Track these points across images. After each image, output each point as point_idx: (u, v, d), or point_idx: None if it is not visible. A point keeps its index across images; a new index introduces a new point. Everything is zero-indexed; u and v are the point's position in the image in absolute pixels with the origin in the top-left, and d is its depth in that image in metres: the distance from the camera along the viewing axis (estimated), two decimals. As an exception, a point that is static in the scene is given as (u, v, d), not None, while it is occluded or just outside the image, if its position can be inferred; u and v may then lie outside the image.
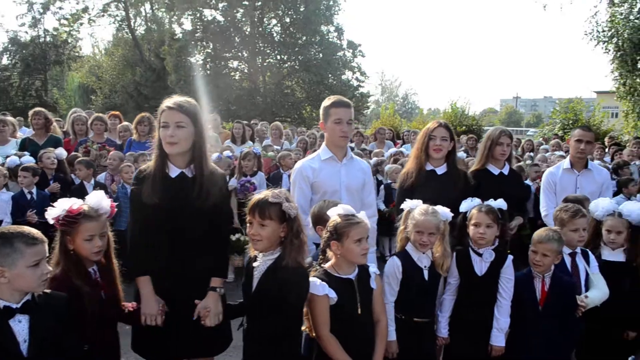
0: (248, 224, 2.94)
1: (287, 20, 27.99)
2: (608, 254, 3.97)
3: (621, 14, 13.21)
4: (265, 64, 28.97)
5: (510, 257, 3.55)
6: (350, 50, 28.80)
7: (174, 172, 3.13)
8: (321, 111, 3.97)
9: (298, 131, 12.78)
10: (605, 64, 13.53)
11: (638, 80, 13.09)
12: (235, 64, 29.63)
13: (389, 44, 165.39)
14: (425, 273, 3.44)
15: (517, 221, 4.72)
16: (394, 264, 3.44)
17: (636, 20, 12.81)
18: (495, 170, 4.78)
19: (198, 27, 27.27)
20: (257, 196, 2.94)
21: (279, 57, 29.14)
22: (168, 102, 3.10)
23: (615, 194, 7.25)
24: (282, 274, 2.83)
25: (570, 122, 18.84)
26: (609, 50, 13.48)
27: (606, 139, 12.77)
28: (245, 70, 29.50)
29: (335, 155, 3.92)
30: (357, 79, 29.48)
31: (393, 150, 9.81)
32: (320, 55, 27.83)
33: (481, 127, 22.65)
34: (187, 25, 27.73)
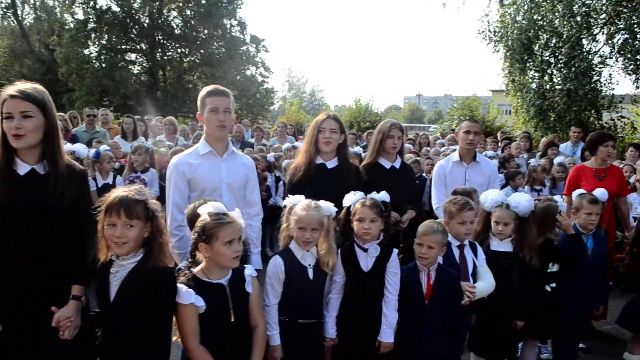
0: (107, 226, 2.60)
1: (188, 12, 27.02)
2: (497, 245, 4.00)
3: (510, 14, 13.86)
4: (165, 57, 27.82)
5: (395, 250, 3.45)
6: (254, 45, 28.33)
7: (22, 169, 2.75)
8: (198, 103, 3.68)
9: (199, 126, 12.23)
10: (498, 63, 14.24)
11: (527, 77, 13.79)
12: (133, 56, 28.22)
13: (296, 40, 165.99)
14: (310, 272, 3.27)
15: (409, 215, 4.67)
16: (276, 264, 3.24)
17: (523, 21, 13.46)
18: (387, 164, 4.72)
19: (91, 16, 25.68)
20: (115, 194, 2.62)
21: (179, 50, 28.09)
22: (10, 89, 2.70)
23: (503, 186, 7.54)
24: (148, 277, 2.57)
25: (467, 118, 19.65)
26: (499, 50, 14.09)
27: (499, 134, 13.37)
28: (144, 64, 28.20)
29: (215, 149, 3.64)
30: (261, 74, 29.10)
31: (287, 145, 9.61)
32: (223, 49, 27.17)
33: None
34: (80, 14, 26.05)
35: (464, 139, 5.07)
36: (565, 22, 12.60)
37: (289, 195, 3.41)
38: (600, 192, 4.88)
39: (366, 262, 3.39)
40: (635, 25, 12.26)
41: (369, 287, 3.39)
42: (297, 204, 3.26)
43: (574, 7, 12.62)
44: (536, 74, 13.61)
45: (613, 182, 5.55)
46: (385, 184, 4.48)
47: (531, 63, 13.59)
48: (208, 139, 3.66)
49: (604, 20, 13.21)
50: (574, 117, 12.90)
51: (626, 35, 12.57)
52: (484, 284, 3.69)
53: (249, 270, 2.92)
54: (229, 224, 2.73)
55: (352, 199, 3.48)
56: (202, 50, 27.24)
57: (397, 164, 4.74)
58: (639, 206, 7.15)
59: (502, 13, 14.14)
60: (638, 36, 12.34)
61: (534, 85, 13.55)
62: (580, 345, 5.27)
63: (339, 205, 3.45)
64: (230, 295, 2.78)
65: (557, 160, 8.15)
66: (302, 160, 4.20)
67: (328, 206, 3.30)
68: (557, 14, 12.74)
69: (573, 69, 12.60)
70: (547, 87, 13.64)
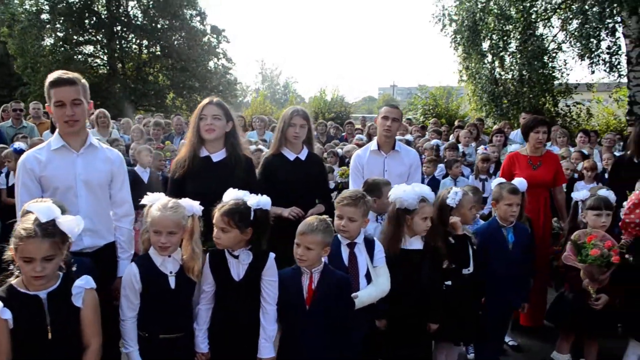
0: None
1: (145, 1, 26.09)
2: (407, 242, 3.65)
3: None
4: (124, 49, 26.87)
5: (272, 255, 3.04)
6: (214, 36, 27.58)
7: None
8: (45, 93, 3.23)
9: (137, 119, 11.70)
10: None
11: (479, 63, 13.43)
12: (90, 49, 27.25)
13: (270, 32, 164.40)
14: (172, 280, 2.88)
15: (316, 209, 4.28)
16: (130, 272, 2.87)
17: (469, 3, 13.06)
18: (291, 155, 4.31)
19: (43, 7, 24.66)
20: None
21: (138, 42, 27.18)
22: None
23: (445, 176, 7.26)
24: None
25: (430, 107, 19.52)
26: (447, 33, 13.66)
27: (456, 122, 13.07)
28: (102, 56, 27.25)
29: (69, 143, 3.19)
30: (223, 65, 28.37)
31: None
32: (182, 40, 26.40)
33: (349, 114, 23.08)
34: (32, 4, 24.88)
35: (381, 125, 4.68)
36: (511, 5, 12.25)
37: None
38: (519, 182, 4.61)
39: (237, 269, 3.00)
40: (588, 10, 11.99)
41: (243, 297, 2.99)
42: (154, 204, 2.86)
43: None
44: (487, 59, 13.27)
45: (548, 170, 5.26)
46: (289, 176, 4.16)
47: (481, 47, 13.24)
48: (61, 132, 3.22)
49: (557, 4, 12.96)
50: (528, 103, 12.65)
51: (579, 20, 12.29)
52: (372, 289, 3.35)
53: (81, 282, 2.51)
54: (30, 239, 2.31)
55: (230, 196, 3.07)
56: (161, 42, 26.39)
57: (303, 155, 4.34)
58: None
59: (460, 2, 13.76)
60: (589, 20, 12.09)
61: (485, 71, 13.21)
62: (511, 342, 5.06)
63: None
64: (49, 310, 2.40)
65: (510, 148, 7.83)
66: (184, 153, 3.78)
67: (191, 205, 2.92)
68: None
69: (525, 54, 12.31)
70: (500, 72, 13.36)
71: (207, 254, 3.01)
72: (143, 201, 2.96)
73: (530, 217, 4.97)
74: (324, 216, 3.13)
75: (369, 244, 3.46)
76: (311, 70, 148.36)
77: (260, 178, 4.11)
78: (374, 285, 3.36)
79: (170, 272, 2.88)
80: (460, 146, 8.77)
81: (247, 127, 11.77)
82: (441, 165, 7.64)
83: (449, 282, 3.77)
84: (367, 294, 3.31)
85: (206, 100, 3.82)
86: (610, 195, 4.45)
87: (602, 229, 4.19)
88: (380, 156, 4.72)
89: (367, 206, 3.39)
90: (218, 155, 3.77)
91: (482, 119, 11.33)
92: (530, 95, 12.62)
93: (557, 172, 5.31)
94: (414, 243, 3.65)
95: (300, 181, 4.18)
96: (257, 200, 3.01)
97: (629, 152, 5.76)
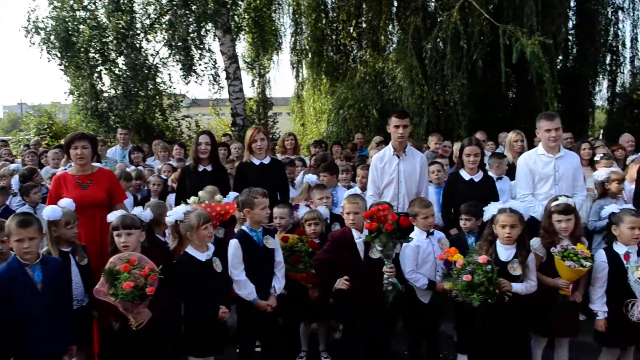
0: None
1: None
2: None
3: (57, 7, 12.17)
4: None
5: None
6: None
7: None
8: None
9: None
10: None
11: (79, 78, 12.39)
12: None
13: None
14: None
15: None
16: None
17: (63, 12, 11.98)
18: None
19: None
20: None
21: None
22: None
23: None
24: None
25: (46, 126, 17.59)
26: (35, 43, 12.18)
27: (63, 141, 11.78)
28: None
29: None
30: None
31: None
32: None
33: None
34: None
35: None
36: (109, 16, 11.69)
37: None
38: (67, 202, 4.26)
39: None
40: (185, 26, 12.21)
41: None
42: None
43: (120, 3, 11.81)
44: (87, 73, 12.35)
45: (100, 188, 4.81)
46: None
47: (78, 60, 12.22)
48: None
49: (155, 19, 12.88)
50: (139, 118, 12.34)
51: (179, 36, 12.44)
52: None
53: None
54: None
55: None
56: None
57: None
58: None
59: (52, 8, 12.34)
60: (189, 36, 12.39)
61: (86, 86, 12.29)
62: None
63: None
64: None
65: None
66: None
67: None
68: (102, 8, 11.81)
69: (125, 68, 11.90)
70: (102, 88, 12.65)
71: None
72: None
73: (84, 243, 4.39)
74: None
75: None
76: None
77: None
78: None
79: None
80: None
81: None
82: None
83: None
84: None
85: None
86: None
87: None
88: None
89: None
90: None
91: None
92: (139, 111, 12.29)
93: (112, 189, 4.92)
94: None
95: None
96: None
97: None
